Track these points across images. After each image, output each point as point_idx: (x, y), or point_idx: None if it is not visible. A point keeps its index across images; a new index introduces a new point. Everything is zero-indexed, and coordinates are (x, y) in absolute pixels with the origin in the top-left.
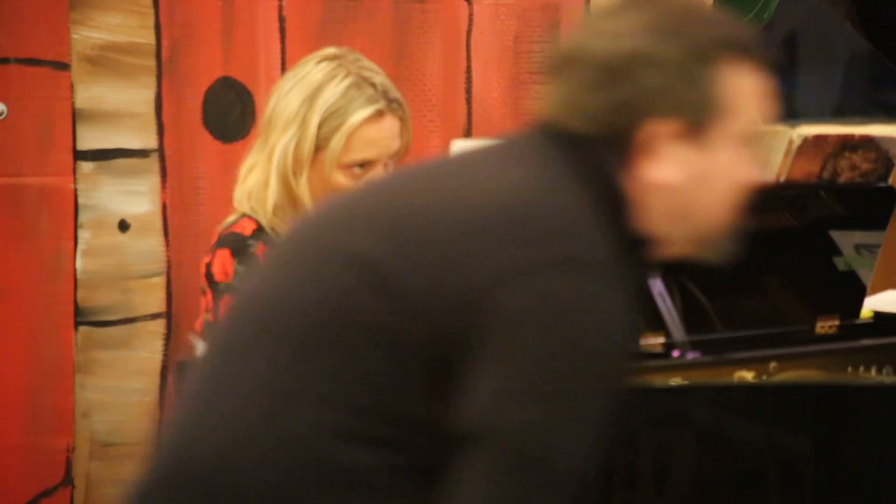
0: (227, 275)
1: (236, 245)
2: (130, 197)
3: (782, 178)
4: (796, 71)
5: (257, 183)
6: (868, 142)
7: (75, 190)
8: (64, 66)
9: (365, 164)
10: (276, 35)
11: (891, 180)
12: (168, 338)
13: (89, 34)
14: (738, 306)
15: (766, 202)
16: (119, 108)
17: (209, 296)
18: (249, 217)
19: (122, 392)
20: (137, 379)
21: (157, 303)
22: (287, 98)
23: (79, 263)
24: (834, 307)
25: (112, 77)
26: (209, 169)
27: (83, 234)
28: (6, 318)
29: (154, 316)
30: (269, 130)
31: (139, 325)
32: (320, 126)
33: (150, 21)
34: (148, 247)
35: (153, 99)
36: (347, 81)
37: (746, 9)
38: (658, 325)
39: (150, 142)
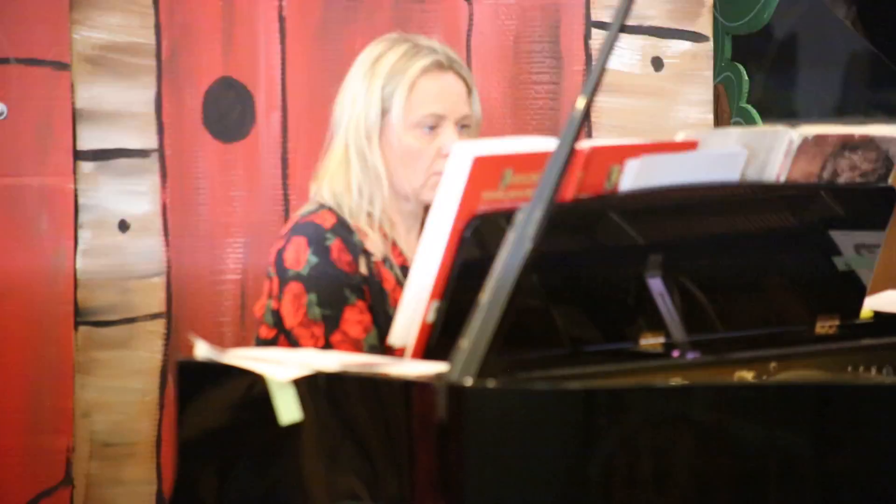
0: (298, 262)
1: (314, 236)
2: (130, 197)
3: (782, 178)
4: (796, 71)
5: (338, 166)
6: (868, 142)
7: (75, 190)
8: (64, 66)
9: (434, 124)
10: (276, 35)
11: (891, 180)
12: (168, 338)
13: (89, 34)
14: (738, 306)
15: (766, 202)
16: (119, 108)
17: (275, 282)
18: (330, 210)
19: (122, 392)
20: (137, 379)
21: (157, 303)
22: (350, 82)
23: (79, 263)
24: (834, 307)
25: (112, 77)
26: (209, 169)
27: (83, 234)
28: (6, 318)
29: (154, 316)
30: (339, 119)
31: (139, 325)
32: (383, 87)
33: (150, 21)
34: (148, 247)
35: (153, 99)
36: (405, 46)
37: (746, 9)
38: (658, 325)
39: (150, 142)
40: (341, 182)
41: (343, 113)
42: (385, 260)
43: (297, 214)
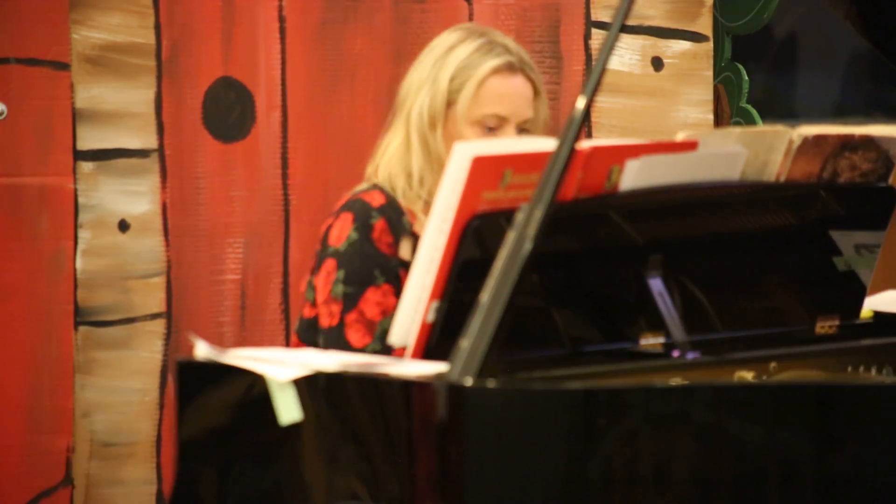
0: (339, 238)
1: (361, 212)
2: (130, 197)
3: (782, 178)
4: (796, 71)
5: (397, 149)
6: (868, 142)
7: (75, 190)
8: (64, 66)
9: (496, 126)
10: (276, 35)
11: (891, 180)
12: (168, 338)
13: (89, 34)
14: (738, 306)
15: (766, 202)
16: (119, 108)
17: (317, 258)
18: (381, 190)
19: (122, 392)
20: (137, 379)
21: (157, 303)
22: (420, 66)
23: (79, 263)
24: (834, 307)
25: (112, 77)
26: (209, 169)
27: (83, 234)
28: (6, 318)
29: (154, 316)
30: (404, 101)
31: (139, 325)
32: (452, 80)
33: (150, 21)
34: (148, 247)
35: (153, 99)
36: (480, 41)
37: (746, 9)
38: (658, 325)
39: (150, 142)
40: (399, 166)
41: (408, 95)
42: None
43: (350, 192)
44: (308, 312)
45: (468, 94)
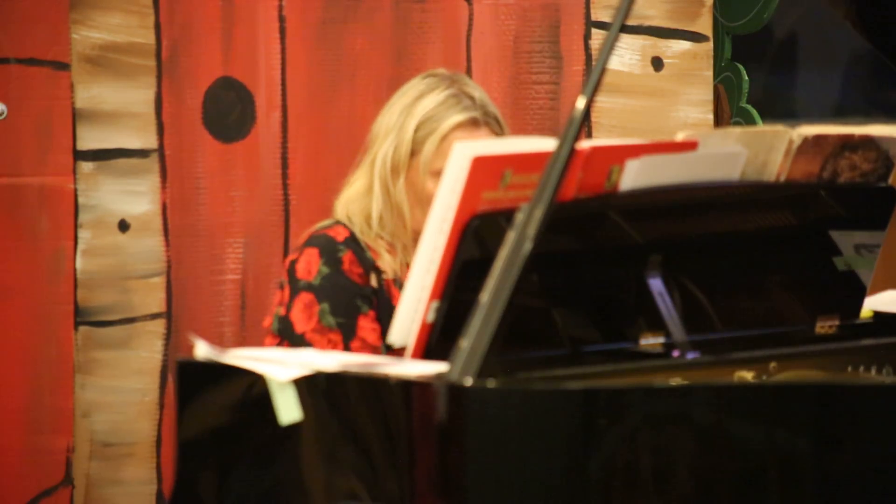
0: (310, 273)
1: (327, 247)
2: (130, 197)
3: (782, 178)
4: (796, 71)
5: (358, 191)
6: (868, 142)
7: (75, 190)
8: (64, 66)
9: None
10: (276, 35)
11: (891, 180)
12: (168, 338)
13: (89, 34)
14: (738, 306)
15: (766, 202)
16: (119, 108)
17: (286, 291)
18: (344, 225)
19: (122, 392)
20: (137, 379)
21: (157, 303)
22: (390, 111)
23: (79, 263)
24: (834, 307)
25: (112, 77)
26: (209, 169)
27: (83, 234)
28: (6, 318)
29: (154, 316)
30: (373, 143)
31: (139, 325)
32: (416, 130)
33: (150, 21)
34: (148, 247)
35: (153, 99)
36: (447, 92)
37: (746, 9)
38: (658, 325)
39: (150, 142)
40: (357, 207)
41: (376, 139)
42: (395, 280)
43: (313, 228)
44: (269, 343)
45: (431, 147)
